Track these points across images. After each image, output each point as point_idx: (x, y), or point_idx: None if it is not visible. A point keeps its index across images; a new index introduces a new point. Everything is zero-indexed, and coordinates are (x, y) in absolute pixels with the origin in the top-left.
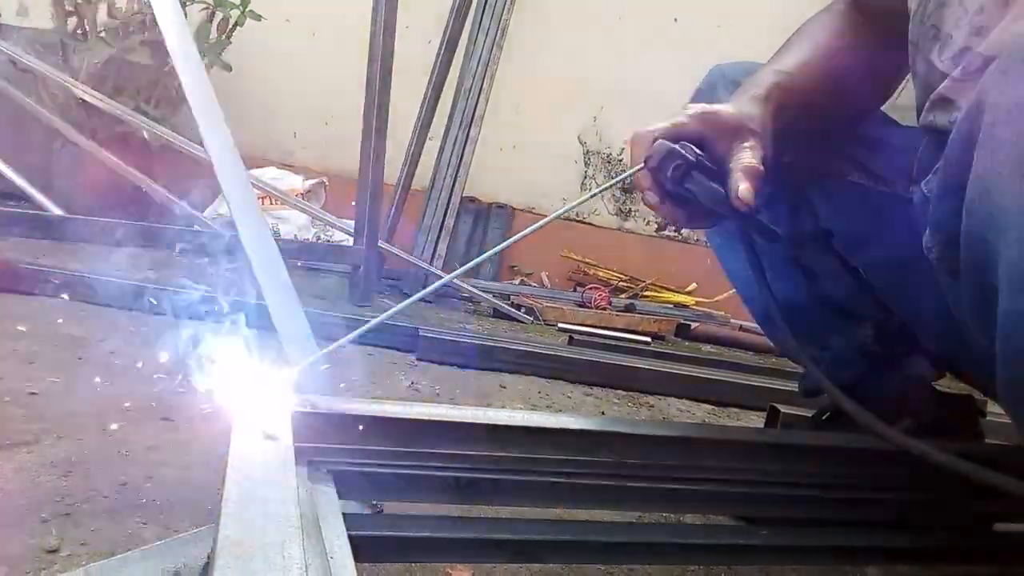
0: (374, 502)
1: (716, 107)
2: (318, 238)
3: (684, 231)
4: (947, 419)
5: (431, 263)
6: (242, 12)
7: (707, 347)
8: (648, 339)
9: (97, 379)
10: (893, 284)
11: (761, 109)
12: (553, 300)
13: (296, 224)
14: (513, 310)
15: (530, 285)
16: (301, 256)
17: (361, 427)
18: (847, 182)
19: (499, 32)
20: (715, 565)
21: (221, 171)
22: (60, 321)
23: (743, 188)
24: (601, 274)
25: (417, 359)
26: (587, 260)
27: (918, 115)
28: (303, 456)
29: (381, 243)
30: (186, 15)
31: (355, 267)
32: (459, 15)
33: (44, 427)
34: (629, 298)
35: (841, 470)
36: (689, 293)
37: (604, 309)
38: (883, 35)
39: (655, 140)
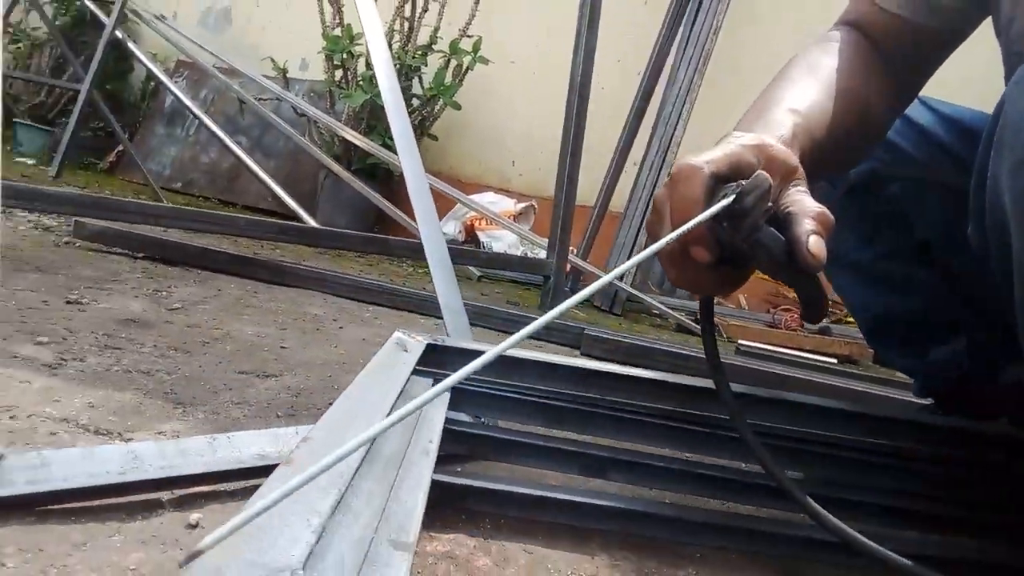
0: (479, 416)
1: (770, 139)
2: (525, 255)
3: None
4: None
5: (621, 279)
6: (473, 58)
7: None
8: (834, 360)
9: (327, 343)
10: (987, 287)
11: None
12: (743, 320)
13: (507, 242)
14: (695, 324)
15: (725, 306)
16: (500, 266)
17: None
18: (939, 186)
19: (702, 59)
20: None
21: (413, 192)
22: (308, 305)
23: (814, 241)
24: None
25: (581, 354)
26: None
27: None
28: (430, 374)
29: (575, 259)
30: (427, 63)
31: (546, 277)
32: (665, 44)
33: (286, 367)
34: (831, 322)
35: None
36: None
37: (794, 330)
38: (891, 57)
39: (709, 176)
